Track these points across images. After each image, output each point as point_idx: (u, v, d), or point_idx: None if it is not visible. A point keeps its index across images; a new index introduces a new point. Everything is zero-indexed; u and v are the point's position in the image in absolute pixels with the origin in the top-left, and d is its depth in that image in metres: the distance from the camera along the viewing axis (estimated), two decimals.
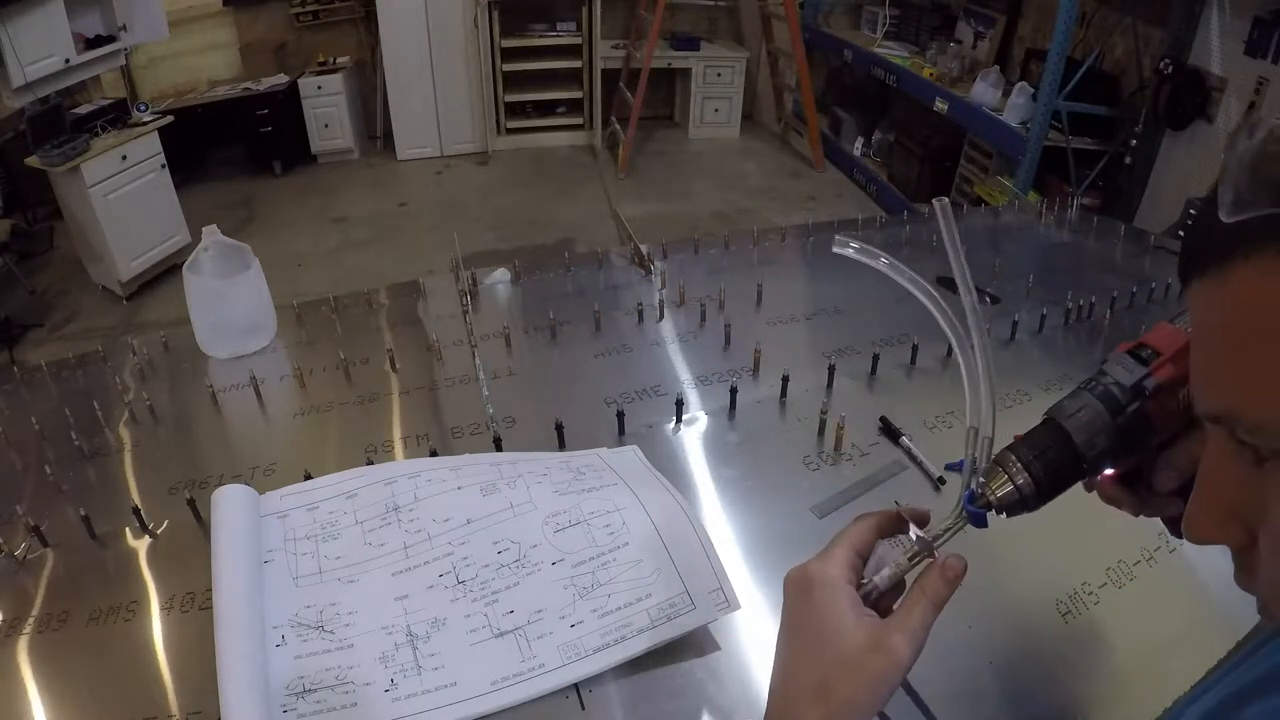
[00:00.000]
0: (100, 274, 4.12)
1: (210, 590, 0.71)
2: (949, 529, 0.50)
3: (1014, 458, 0.49)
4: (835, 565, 0.49)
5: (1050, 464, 0.49)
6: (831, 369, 1.09)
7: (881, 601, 0.51)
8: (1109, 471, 0.53)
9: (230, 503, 0.78)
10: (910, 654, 0.45)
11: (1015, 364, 1.18)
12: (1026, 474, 0.49)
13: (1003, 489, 0.49)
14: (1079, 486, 0.52)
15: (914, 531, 0.51)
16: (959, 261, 0.51)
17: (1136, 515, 0.55)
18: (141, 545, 0.86)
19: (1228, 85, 3.07)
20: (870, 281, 1.54)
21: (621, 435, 1.00)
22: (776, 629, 0.51)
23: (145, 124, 4.13)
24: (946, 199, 0.51)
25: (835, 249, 0.52)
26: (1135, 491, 0.54)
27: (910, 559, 0.50)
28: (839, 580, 0.49)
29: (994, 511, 0.50)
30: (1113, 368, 0.49)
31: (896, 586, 0.51)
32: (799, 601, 0.50)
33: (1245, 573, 0.37)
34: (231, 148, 5.62)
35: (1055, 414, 0.50)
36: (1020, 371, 1.16)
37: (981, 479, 0.50)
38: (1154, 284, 1.35)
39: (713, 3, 6.15)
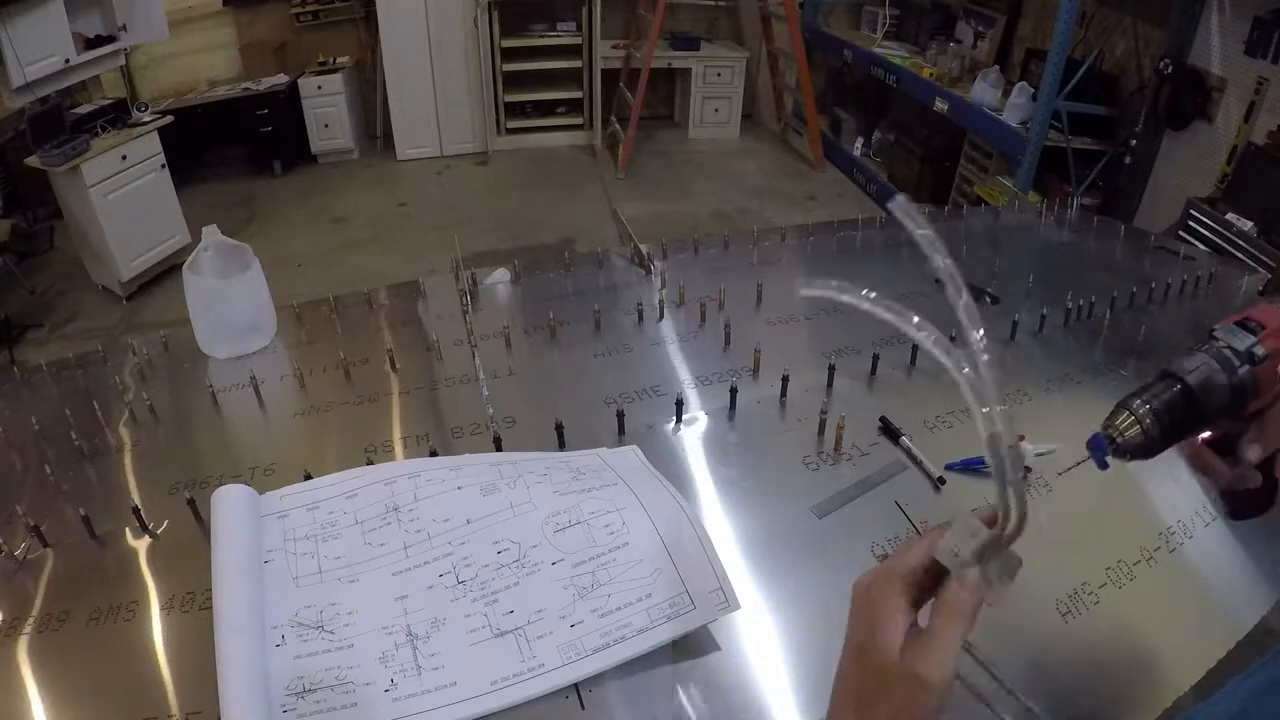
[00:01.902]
0: (100, 274, 4.12)
1: (210, 590, 0.71)
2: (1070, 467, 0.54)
3: (1139, 402, 0.53)
4: (894, 592, 0.48)
5: (1172, 410, 0.53)
6: (831, 369, 1.09)
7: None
8: (1205, 435, 0.57)
9: (230, 503, 0.78)
10: (940, 677, 0.45)
11: (1015, 364, 1.18)
12: (1153, 417, 0.53)
13: (1130, 429, 0.53)
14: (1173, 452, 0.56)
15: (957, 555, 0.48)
16: (935, 256, 0.51)
17: (1223, 486, 0.59)
18: (141, 545, 0.86)
19: (1228, 85, 3.07)
20: (870, 282, 1.54)
21: (621, 435, 1.00)
22: (776, 628, 0.52)
23: (145, 124, 4.13)
24: (902, 196, 0.51)
25: (803, 292, 0.50)
26: (1221, 461, 0.58)
27: (992, 579, 0.47)
28: (896, 605, 0.47)
29: (1115, 455, 0.54)
30: (1226, 334, 0.55)
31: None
32: (861, 615, 0.49)
33: None
34: (231, 148, 5.62)
35: (1175, 369, 0.55)
36: (1020, 371, 1.16)
37: (1109, 429, 0.54)
38: (1154, 284, 1.35)
39: (713, 3, 6.14)
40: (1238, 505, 0.65)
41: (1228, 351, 0.54)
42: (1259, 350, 0.54)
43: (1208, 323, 0.57)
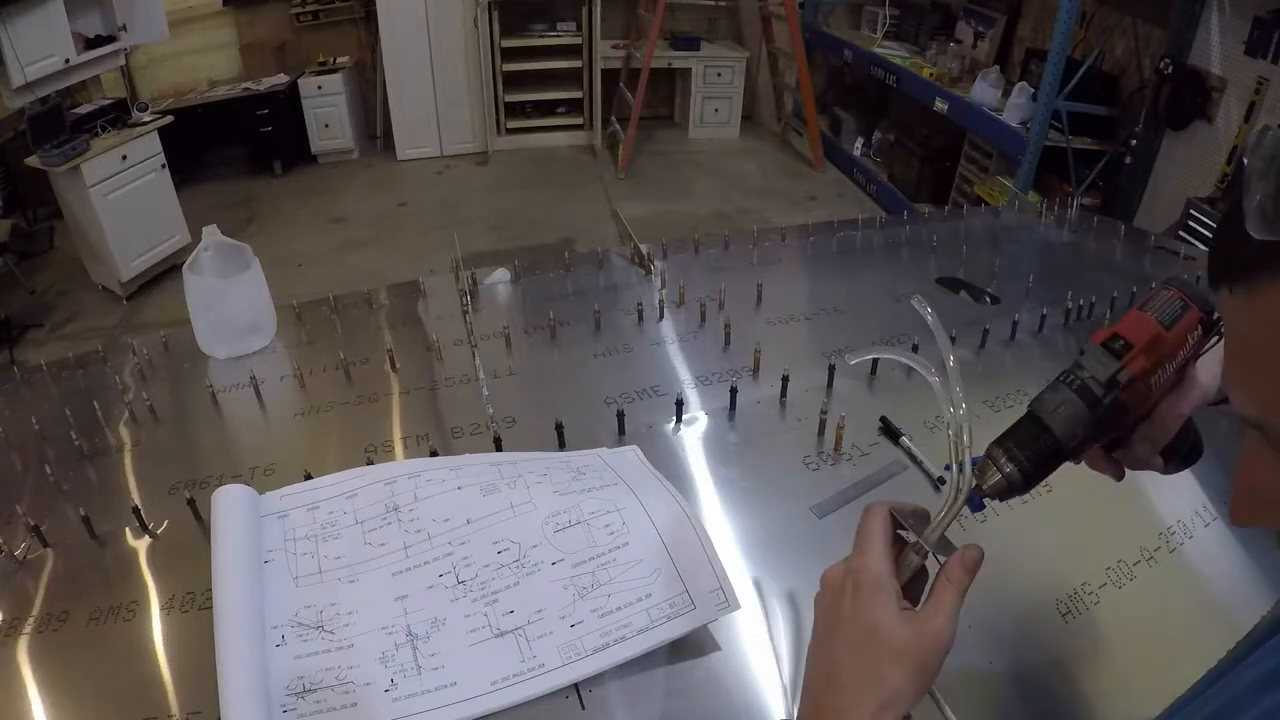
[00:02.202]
0: (100, 274, 4.12)
1: (210, 590, 0.71)
2: (947, 516, 0.54)
3: (1001, 452, 0.54)
4: (878, 561, 0.52)
5: (1034, 456, 0.53)
6: (831, 369, 1.09)
7: (906, 593, 0.53)
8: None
9: (230, 503, 0.78)
10: (951, 635, 0.49)
11: (1015, 364, 1.18)
12: (1013, 465, 0.53)
13: (992, 479, 0.54)
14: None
15: (911, 535, 0.55)
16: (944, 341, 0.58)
17: (1119, 480, 0.60)
18: (141, 545, 0.86)
19: (1228, 85, 3.07)
20: (870, 281, 1.55)
21: (621, 435, 1.00)
22: (777, 629, 0.52)
23: (145, 124, 4.13)
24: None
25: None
26: (1115, 460, 0.59)
27: (930, 552, 0.54)
28: (884, 576, 0.51)
29: (987, 499, 0.55)
30: (1089, 362, 0.53)
31: (917, 576, 0.55)
32: (844, 599, 0.52)
33: None
34: (231, 148, 5.62)
35: (1037, 409, 0.54)
36: (1020, 371, 1.16)
37: (976, 472, 0.54)
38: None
39: (713, 3, 6.14)
40: (1167, 465, 0.65)
41: (1091, 383, 0.52)
42: (1123, 376, 0.52)
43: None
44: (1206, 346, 0.55)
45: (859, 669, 0.49)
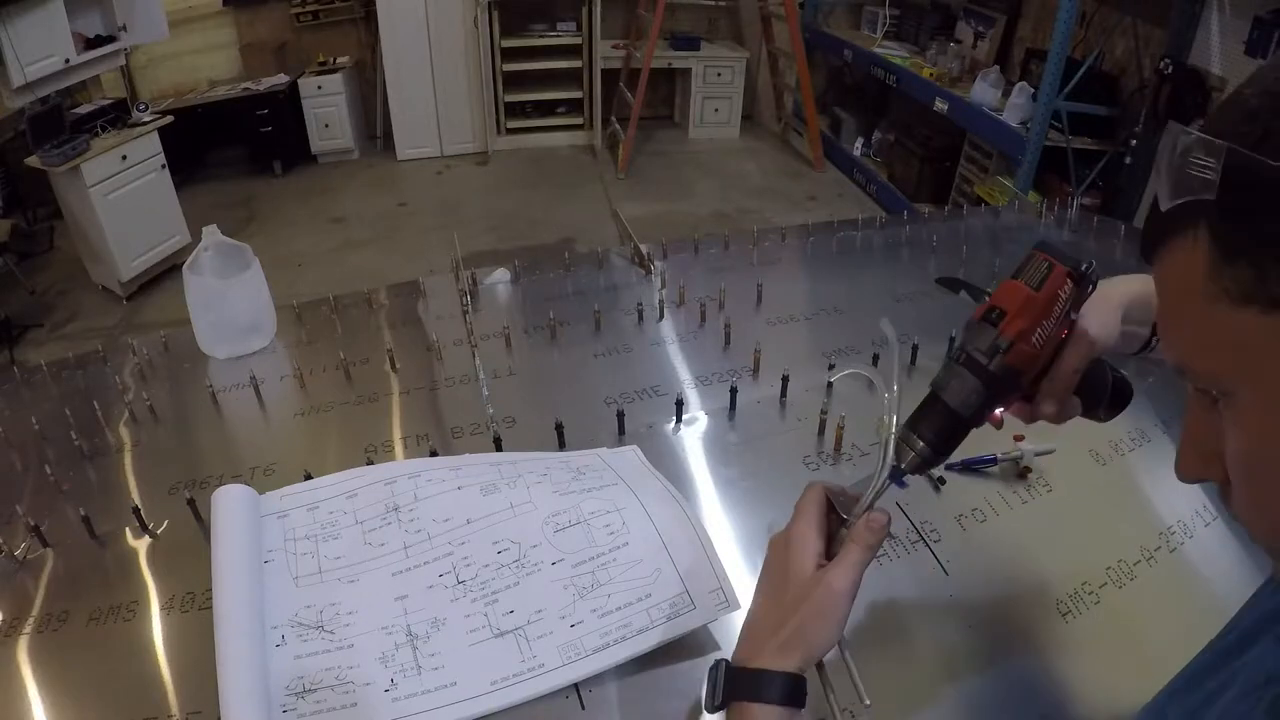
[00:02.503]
0: (100, 274, 4.12)
1: (210, 590, 0.71)
2: (872, 494, 0.59)
3: (910, 432, 0.59)
4: (805, 524, 0.59)
5: (938, 432, 0.58)
6: (831, 369, 1.09)
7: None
8: (998, 412, 0.61)
9: (230, 502, 0.78)
10: (844, 585, 0.55)
11: None
12: (922, 442, 0.58)
13: (907, 457, 0.59)
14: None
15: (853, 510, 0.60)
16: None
17: (1031, 423, 0.65)
18: (141, 545, 0.86)
19: (1228, 85, 3.07)
20: (870, 281, 1.55)
21: (621, 435, 1.00)
22: None
23: (145, 124, 4.13)
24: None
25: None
26: (1027, 410, 0.63)
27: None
28: (809, 537, 0.59)
29: (909, 474, 0.60)
30: (970, 336, 0.58)
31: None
32: (776, 558, 0.60)
33: (1228, 503, 0.42)
34: (231, 148, 5.62)
35: (934, 387, 0.59)
36: None
37: (894, 454, 0.59)
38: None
39: (713, 3, 6.14)
40: (1094, 413, 0.68)
41: (976, 354, 0.57)
42: (1002, 342, 0.56)
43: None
44: (1083, 299, 0.60)
45: (770, 614, 0.57)
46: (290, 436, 1.07)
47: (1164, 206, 0.37)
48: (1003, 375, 0.56)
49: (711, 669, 0.59)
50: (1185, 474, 0.45)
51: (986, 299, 0.59)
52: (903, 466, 0.59)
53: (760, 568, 0.62)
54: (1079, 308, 0.60)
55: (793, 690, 0.54)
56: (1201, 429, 0.42)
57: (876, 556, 0.58)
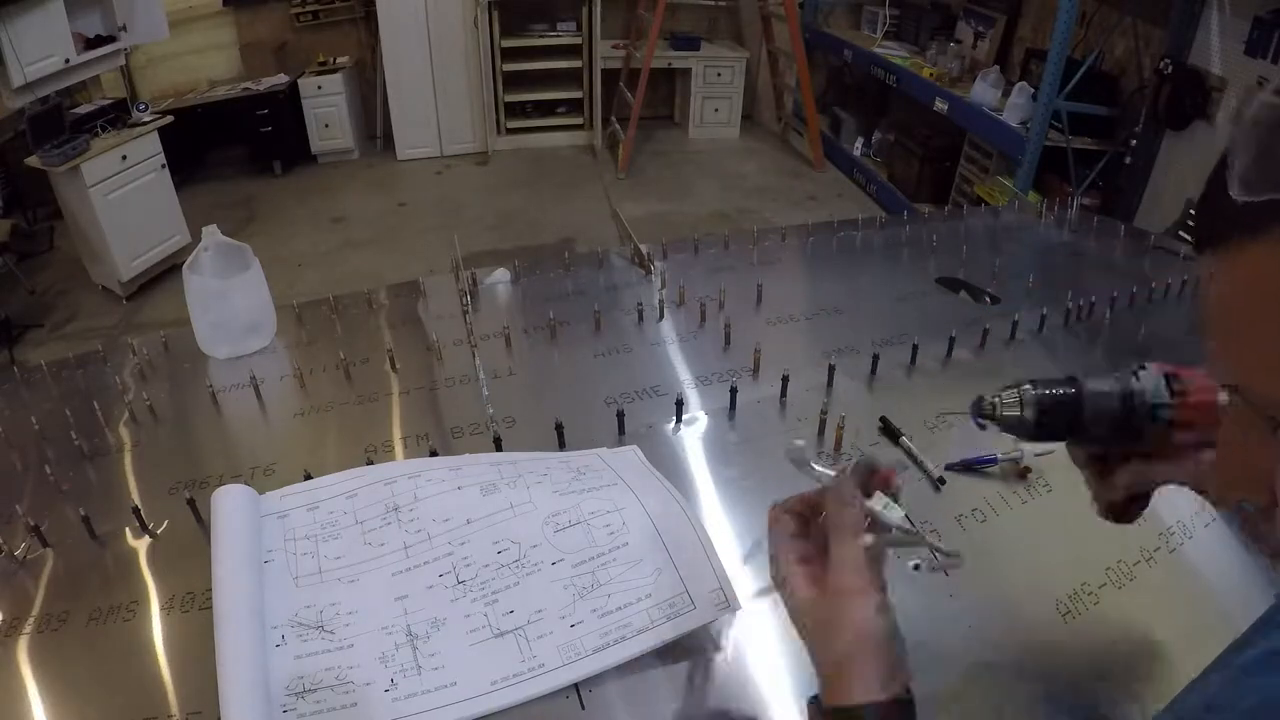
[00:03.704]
0: (100, 274, 4.12)
1: (210, 590, 0.71)
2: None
3: (1034, 395, 0.57)
4: (786, 559, 0.58)
5: (1054, 419, 0.57)
6: (831, 369, 1.09)
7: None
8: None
9: (230, 502, 0.78)
10: (847, 584, 0.53)
11: (1015, 364, 1.18)
12: (1034, 407, 0.57)
13: (1009, 410, 0.57)
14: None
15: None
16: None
17: (1091, 491, 0.63)
18: (141, 545, 0.86)
19: (1228, 85, 3.07)
20: (870, 281, 1.55)
21: (621, 435, 1.00)
22: (777, 628, 0.53)
23: (145, 124, 4.13)
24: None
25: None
26: (1099, 469, 0.61)
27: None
28: (793, 569, 0.57)
29: (988, 424, 0.60)
30: (1149, 380, 0.56)
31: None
32: (788, 601, 0.57)
33: (1263, 523, 0.38)
34: (231, 148, 5.62)
35: (1083, 384, 0.57)
36: (1020, 371, 1.15)
37: (996, 397, 0.58)
38: (1154, 284, 1.35)
39: (713, 3, 6.14)
40: (1114, 517, 0.67)
41: (1138, 399, 0.56)
42: (1165, 414, 0.55)
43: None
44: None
45: (820, 652, 0.54)
46: (290, 436, 1.07)
47: (1241, 197, 0.31)
48: (1132, 433, 0.56)
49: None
50: (1223, 495, 0.43)
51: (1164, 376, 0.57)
52: (998, 414, 0.58)
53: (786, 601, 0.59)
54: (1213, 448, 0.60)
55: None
56: (1249, 451, 0.37)
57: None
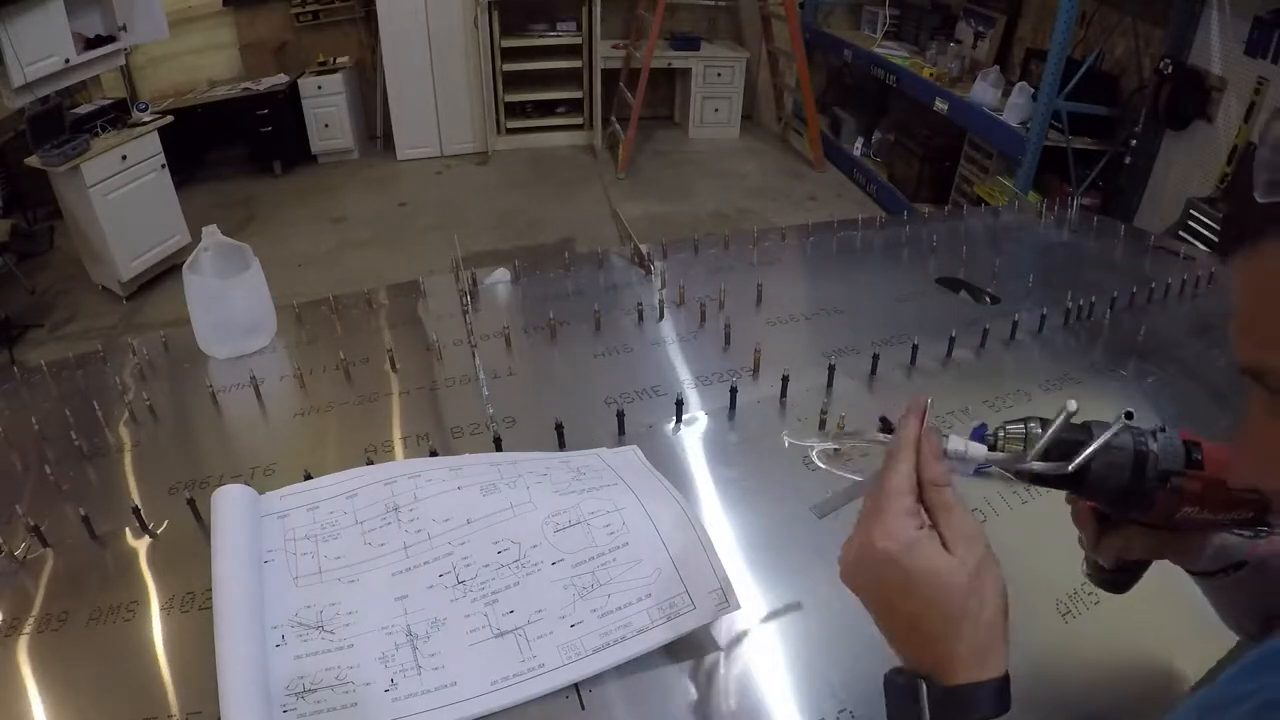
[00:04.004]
0: (100, 274, 4.12)
1: (210, 590, 0.71)
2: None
3: (1039, 428, 0.53)
4: (900, 523, 0.51)
5: (1060, 442, 0.53)
6: (831, 369, 1.09)
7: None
8: (1089, 502, 0.58)
9: (230, 503, 0.78)
10: (967, 552, 0.49)
11: (1015, 364, 1.18)
12: (1040, 461, 0.52)
13: (1011, 440, 0.54)
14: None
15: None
16: None
17: (1084, 548, 0.63)
18: (141, 545, 0.86)
19: (1228, 85, 3.07)
20: (870, 281, 1.55)
21: (621, 435, 1.00)
22: (776, 628, 0.52)
23: (145, 124, 4.13)
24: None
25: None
26: (1097, 529, 0.60)
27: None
28: (911, 538, 0.50)
29: (987, 457, 0.54)
30: (1166, 446, 0.53)
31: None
32: (884, 578, 0.51)
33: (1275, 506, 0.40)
34: (231, 148, 5.62)
35: (1099, 435, 0.53)
36: (1020, 371, 1.16)
37: (1003, 432, 0.54)
38: (1154, 284, 1.35)
39: (713, 3, 6.14)
40: (1105, 584, 0.66)
41: (1151, 462, 0.53)
42: (1177, 482, 0.53)
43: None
44: (1236, 529, 0.56)
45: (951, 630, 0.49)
46: (290, 436, 1.07)
47: (1265, 198, 0.35)
48: (1141, 496, 0.53)
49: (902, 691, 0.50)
50: (1238, 478, 0.43)
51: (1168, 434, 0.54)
52: (996, 440, 0.54)
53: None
54: (1224, 530, 0.57)
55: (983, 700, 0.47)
56: (1267, 436, 0.40)
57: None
